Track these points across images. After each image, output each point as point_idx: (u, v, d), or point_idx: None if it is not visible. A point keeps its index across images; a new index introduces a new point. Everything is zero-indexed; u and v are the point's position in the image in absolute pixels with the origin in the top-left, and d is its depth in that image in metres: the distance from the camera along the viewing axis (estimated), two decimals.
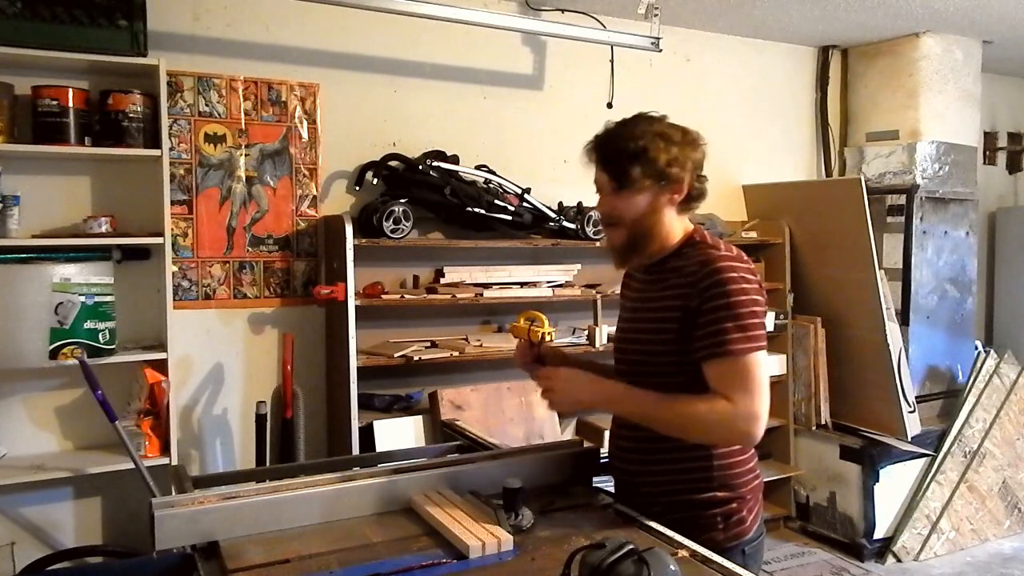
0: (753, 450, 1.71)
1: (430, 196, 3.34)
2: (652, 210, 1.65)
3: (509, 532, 1.50)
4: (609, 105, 3.72)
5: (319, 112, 3.37)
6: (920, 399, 4.18)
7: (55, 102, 2.74)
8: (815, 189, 4.34)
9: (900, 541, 3.98)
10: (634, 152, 1.61)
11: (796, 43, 4.52)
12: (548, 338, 1.79)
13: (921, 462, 4.10)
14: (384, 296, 3.30)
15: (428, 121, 3.58)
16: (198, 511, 1.50)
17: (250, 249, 3.27)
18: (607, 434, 3.50)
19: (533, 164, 3.77)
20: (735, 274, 1.58)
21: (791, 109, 4.57)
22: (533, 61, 3.82)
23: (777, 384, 4.13)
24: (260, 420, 3.10)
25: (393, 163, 3.36)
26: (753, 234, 4.22)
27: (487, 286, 3.51)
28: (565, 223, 3.61)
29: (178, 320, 3.04)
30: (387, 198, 3.28)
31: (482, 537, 1.46)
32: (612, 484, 1.83)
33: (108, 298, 2.82)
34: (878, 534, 3.97)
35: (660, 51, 3.70)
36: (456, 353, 3.35)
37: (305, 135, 3.35)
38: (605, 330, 3.54)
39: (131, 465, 2.72)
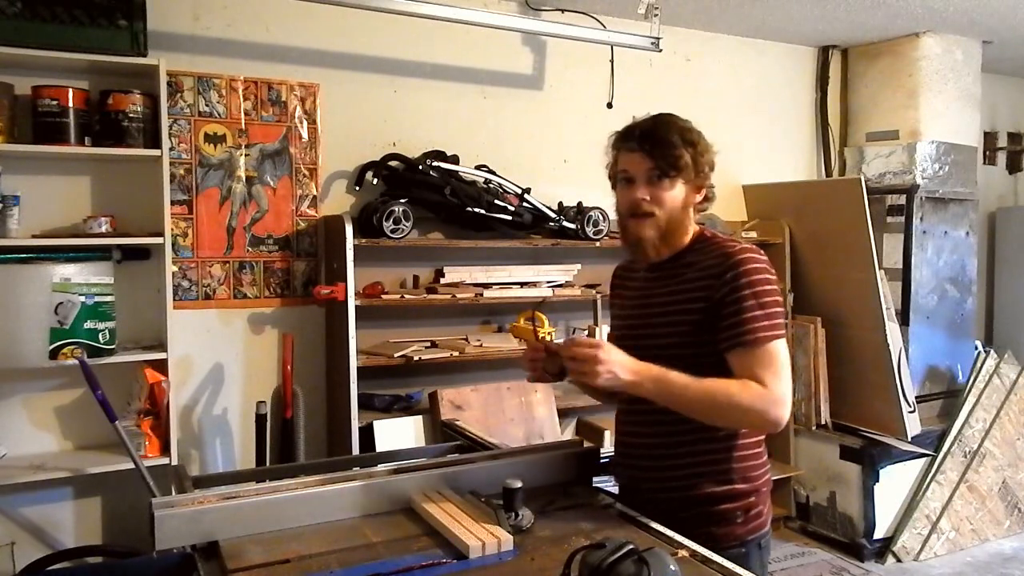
0: (764, 445, 1.74)
1: (430, 196, 3.34)
2: (685, 204, 1.68)
3: (509, 532, 1.50)
4: (609, 105, 3.72)
5: (319, 112, 3.37)
6: (920, 399, 4.17)
7: (55, 102, 2.74)
8: (815, 189, 4.34)
9: (900, 541, 3.97)
10: (689, 141, 1.65)
11: (796, 43, 4.52)
12: (548, 338, 1.79)
13: (921, 462, 4.10)
14: (384, 296, 3.30)
15: (428, 121, 3.58)
16: (198, 511, 1.50)
17: (250, 249, 3.27)
18: (607, 434, 3.53)
19: (533, 164, 3.76)
20: (758, 265, 1.62)
21: (791, 109, 4.57)
22: (533, 61, 3.82)
23: None
24: (260, 420, 3.10)
25: (393, 163, 3.36)
26: (753, 234, 4.22)
27: (487, 286, 3.51)
28: (565, 223, 3.61)
29: (178, 320, 3.04)
30: (387, 198, 3.28)
31: (482, 537, 1.46)
32: (612, 485, 1.84)
33: (108, 298, 2.82)
34: (878, 534, 3.97)
35: (660, 51, 3.70)
36: (456, 353, 3.35)
37: (305, 135, 3.35)
38: (605, 330, 3.54)
39: (131, 465, 2.72)
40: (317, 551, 1.47)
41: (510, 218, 3.48)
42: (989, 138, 5.27)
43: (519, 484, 1.58)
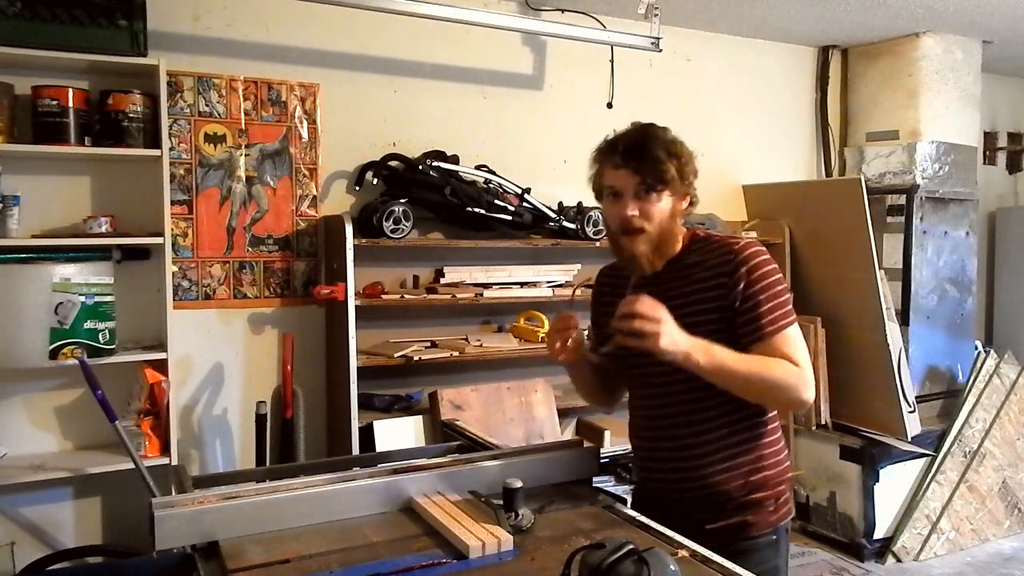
0: (782, 432, 1.80)
1: (430, 196, 3.34)
2: (672, 214, 1.70)
3: (509, 532, 1.50)
4: (609, 105, 3.72)
5: (319, 112, 3.37)
6: (920, 399, 4.17)
7: (55, 102, 2.74)
8: (815, 189, 4.34)
9: (900, 541, 3.97)
10: (674, 153, 1.66)
11: (796, 43, 4.52)
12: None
13: (921, 462, 4.10)
14: (384, 296, 3.30)
15: (428, 121, 3.58)
16: (198, 511, 1.50)
17: (250, 249, 3.27)
18: (607, 434, 3.53)
19: (533, 164, 3.76)
20: (765, 257, 1.67)
21: (791, 109, 4.57)
22: (533, 61, 3.82)
23: None
24: (260, 420, 3.10)
25: (393, 163, 3.36)
26: (753, 234, 4.22)
27: (487, 286, 3.51)
28: (565, 223, 3.61)
29: (178, 320, 3.04)
30: (387, 198, 3.28)
31: (482, 537, 1.46)
32: (612, 485, 1.84)
33: (108, 298, 2.82)
34: (878, 534, 3.97)
35: (660, 51, 3.70)
36: (456, 353, 3.35)
37: (305, 135, 3.35)
38: None
39: (131, 465, 2.72)
40: (317, 551, 1.47)
41: (510, 218, 3.48)
42: (989, 138, 5.27)
43: (519, 484, 1.58)
